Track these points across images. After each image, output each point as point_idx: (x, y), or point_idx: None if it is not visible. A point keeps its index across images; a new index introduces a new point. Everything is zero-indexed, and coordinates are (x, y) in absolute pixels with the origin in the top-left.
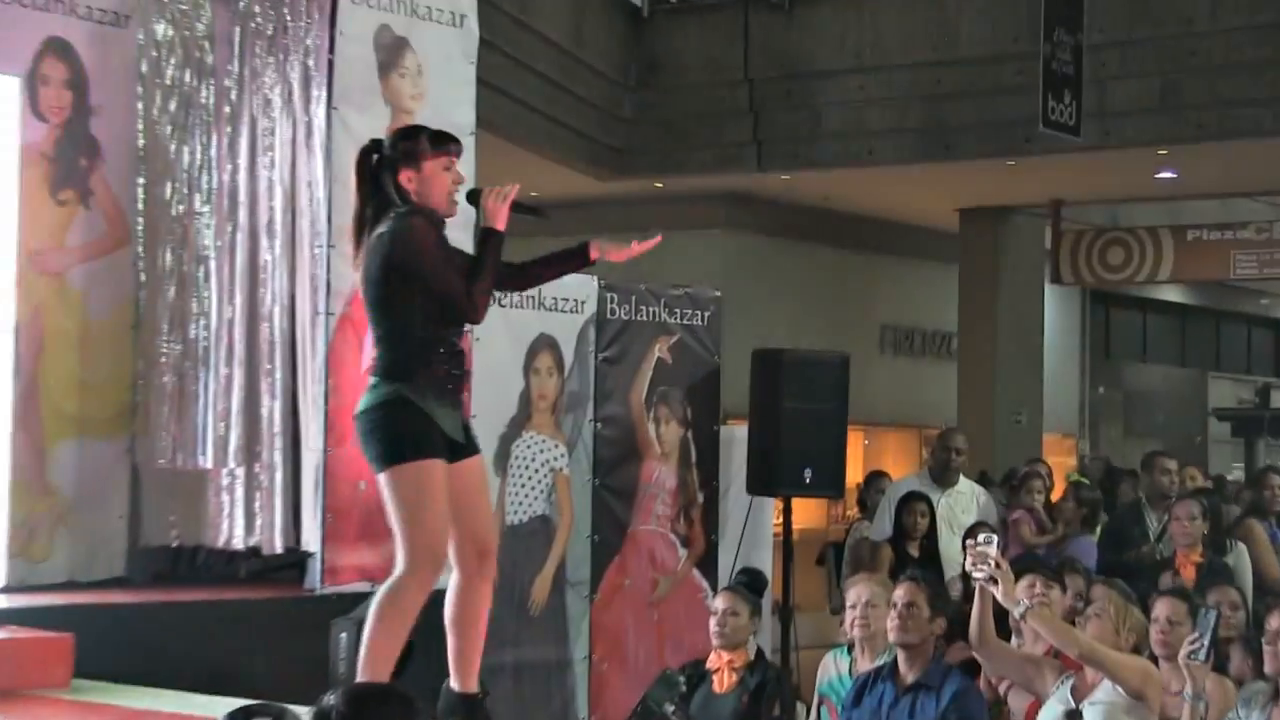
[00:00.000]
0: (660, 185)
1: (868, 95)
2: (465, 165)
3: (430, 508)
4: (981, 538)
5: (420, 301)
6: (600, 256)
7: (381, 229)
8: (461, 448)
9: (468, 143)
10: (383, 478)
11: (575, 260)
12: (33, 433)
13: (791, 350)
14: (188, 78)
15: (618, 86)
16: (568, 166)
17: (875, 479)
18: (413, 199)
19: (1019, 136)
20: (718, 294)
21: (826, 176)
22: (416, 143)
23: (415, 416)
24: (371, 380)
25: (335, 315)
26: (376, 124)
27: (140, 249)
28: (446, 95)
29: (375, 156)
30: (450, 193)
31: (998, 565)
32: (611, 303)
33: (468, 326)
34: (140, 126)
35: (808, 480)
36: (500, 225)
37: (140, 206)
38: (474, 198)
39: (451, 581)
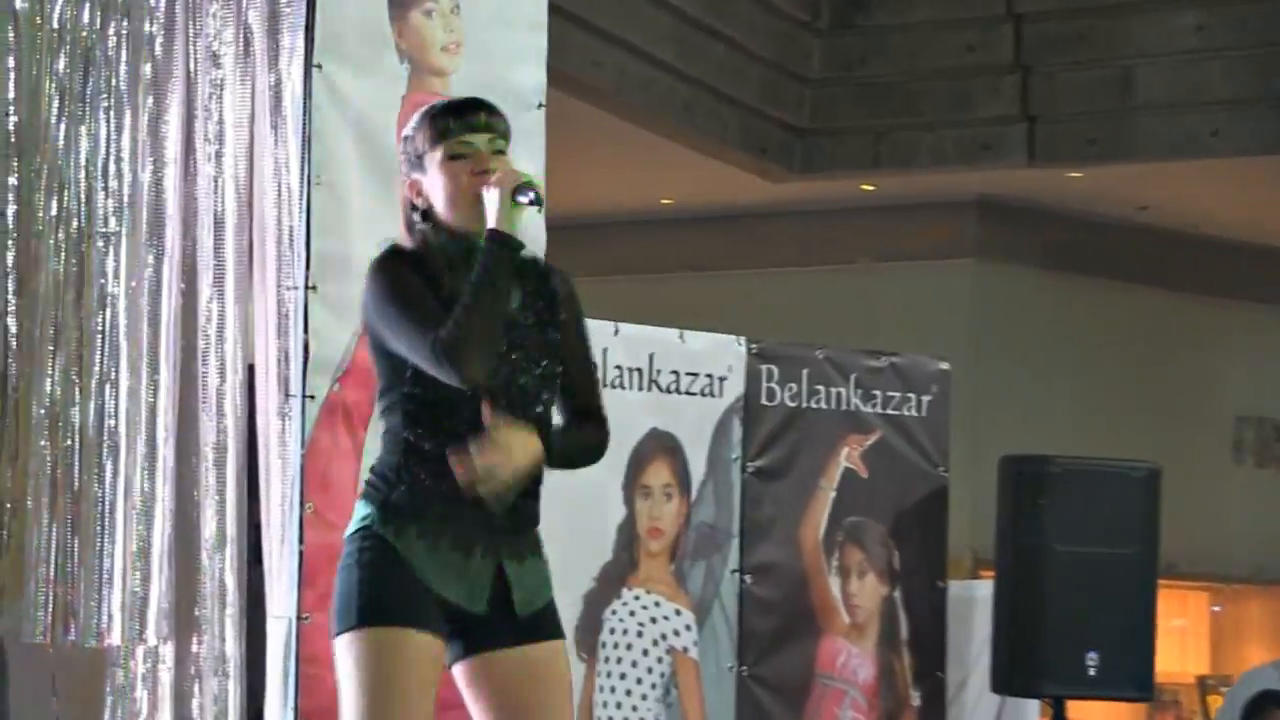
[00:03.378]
0: (870, 188)
1: (1209, 40)
2: (530, 154)
3: (389, 704)
4: None
5: (406, 383)
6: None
7: None
8: (504, 626)
9: (533, 119)
10: (335, 645)
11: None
12: None
13: (1064, 459)
14: (86, 19)
15: (801, 30)
16: (717, 158)
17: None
18: (425, 218)
19: None
20: (944, 366)
21: (1143, 173)
22: (416, 133)
23: (382, 560)
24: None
25: (318, 398)
26: (385, 92)
27: (9, 291)
28: (501, 45)
29: None
30: (470, 197)
31: None
32: (770, 379)
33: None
34: (10, 95)
35: (1092, 672)
36: (495, 220)
37: (10, 225)
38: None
39: None
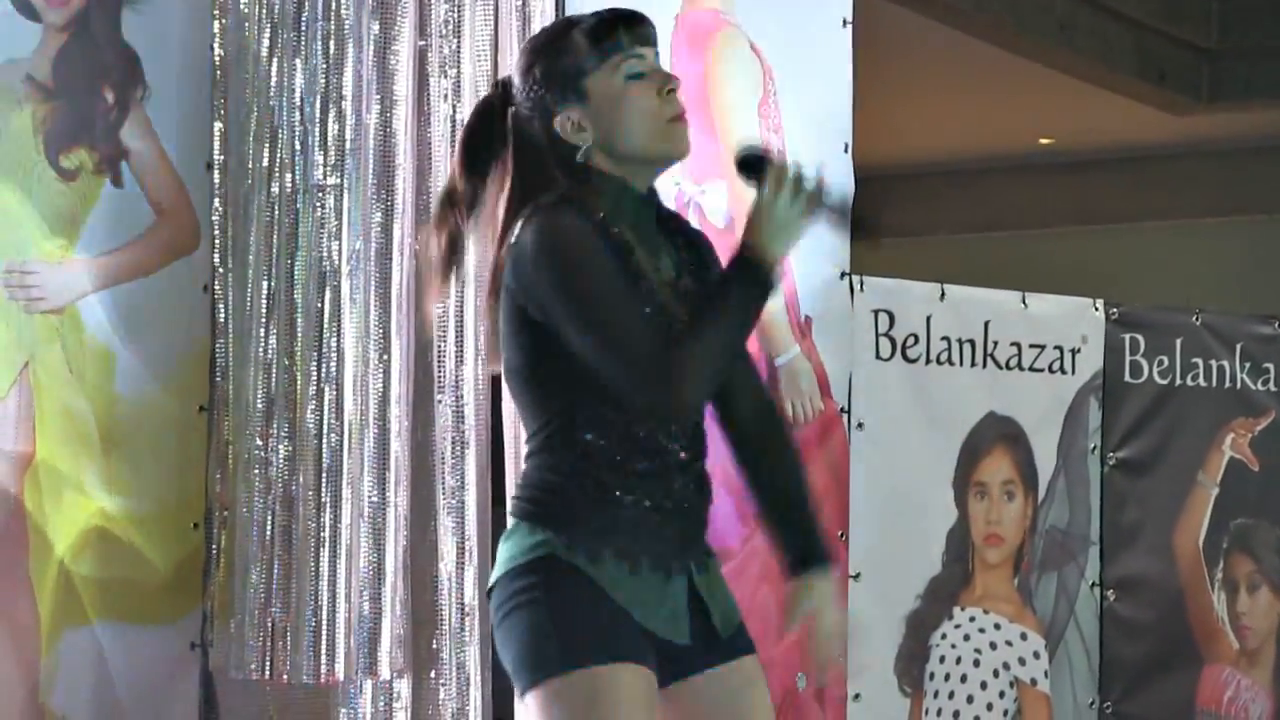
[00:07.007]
0: None
1: None
2: (834, 83)
3: None
4: None
5: (580, 375)
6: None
7: (511, 239)
8: (701, 647)
9: (836, 41)
10: (527, 702)
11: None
12: (15, 617)
13: None
14: None
15: None
16: (1104, 88)
17: None
18: (587, 158)
19: None
20: None
21: None
22: (565, 52)
23: (578, 592)
24: (510, 521)
25: None
26: (655, 9)
27: (217, 259)
28: None
29: (509, 109)
30: (663, 123)
31: None
32: (1135, 351)
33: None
34: (215, 29)
35: None
36: (776, 251)
37: (215, 179)
38: (754, 166)
39: None
